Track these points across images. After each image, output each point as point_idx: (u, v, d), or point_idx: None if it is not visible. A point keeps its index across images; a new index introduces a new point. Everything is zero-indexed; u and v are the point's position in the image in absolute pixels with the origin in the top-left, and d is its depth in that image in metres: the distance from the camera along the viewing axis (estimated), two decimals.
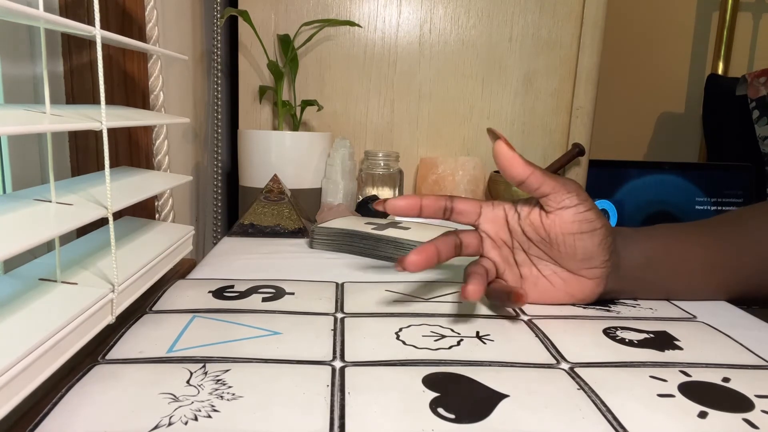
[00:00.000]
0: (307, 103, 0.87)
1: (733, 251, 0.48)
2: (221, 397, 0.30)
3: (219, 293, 0.47)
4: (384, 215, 0.81)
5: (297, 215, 0.71)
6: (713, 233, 0.49)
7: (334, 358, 0.35)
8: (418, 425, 0.28)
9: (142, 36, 0.57)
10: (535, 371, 0.34)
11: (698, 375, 0.34)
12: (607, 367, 0.35)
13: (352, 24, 0.89)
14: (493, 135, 0.43)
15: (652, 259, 0.47)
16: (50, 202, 0.36)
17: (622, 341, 0.39)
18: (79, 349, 0.32)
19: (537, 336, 0.40)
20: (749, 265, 0.48)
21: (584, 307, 0.46)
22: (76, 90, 0.56)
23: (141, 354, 0.35)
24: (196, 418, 0.27)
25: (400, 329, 0.40)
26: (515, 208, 0.46)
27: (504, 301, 0.43)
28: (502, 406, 0.30)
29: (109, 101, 0.57)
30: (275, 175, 0.75)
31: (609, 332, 0.41)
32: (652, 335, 0.40)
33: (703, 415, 0.29)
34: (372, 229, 0.63)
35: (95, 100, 0.56)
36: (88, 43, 0.56)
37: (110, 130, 0.57)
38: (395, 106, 0.95)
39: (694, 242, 0.48)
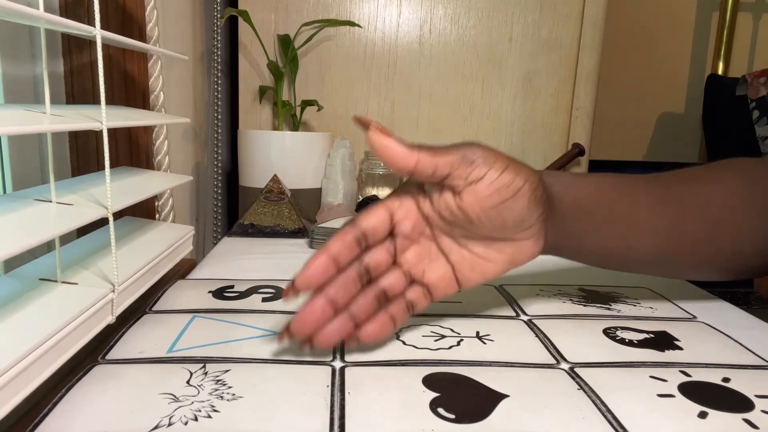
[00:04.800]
0: (307, 103, 0.87)
1: (681, 213, 0.42)
2: (221, 397, 0.30)
3: (219, 293, 0.47)
4: None
5: (297, 215, 0.71)
6: (661, 193, 0.43)
7: (334, 358, 0.35)
8: (418, 425, 0.28)
9: (142, 36, 0.57)
10: (535, 371, 0.34)
11: (698, 375, 0.34)
12: (607, 367, 0.35)
13: (352, 24, 0.89)
14: (361, 123, 0.36)
15: (585, 208, 0.41)
16: (50, 202, 0.36)
17: (622, 341, 0.39)
18: (79, 349, 0.32)
19: (537, 336, 0.40)
20: (696, 230, 0.42)
21: (584, 306, 0.46)
22: (76, 90, 0.56)
23: (141, 354, 0.35)
24: (196, 419, 0.27)
25: (400, 329, 0.40)
26: (423, 191, 0.38)
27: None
28: (502, 406, 0.30)
29: (109, 101, 0.57)
30: (275, 175, 0.75)
31: (609, 332, 0.41)
32: (652, 335, 0.40)
33: (703, 415, 0.29)
34: None
35: (95, 100, 0.56)
36: (88, 43, 0.56)
37: (110, 130, 0.56)
38: (395, 106, 0.95)
39: (639, 200, 0.42)
